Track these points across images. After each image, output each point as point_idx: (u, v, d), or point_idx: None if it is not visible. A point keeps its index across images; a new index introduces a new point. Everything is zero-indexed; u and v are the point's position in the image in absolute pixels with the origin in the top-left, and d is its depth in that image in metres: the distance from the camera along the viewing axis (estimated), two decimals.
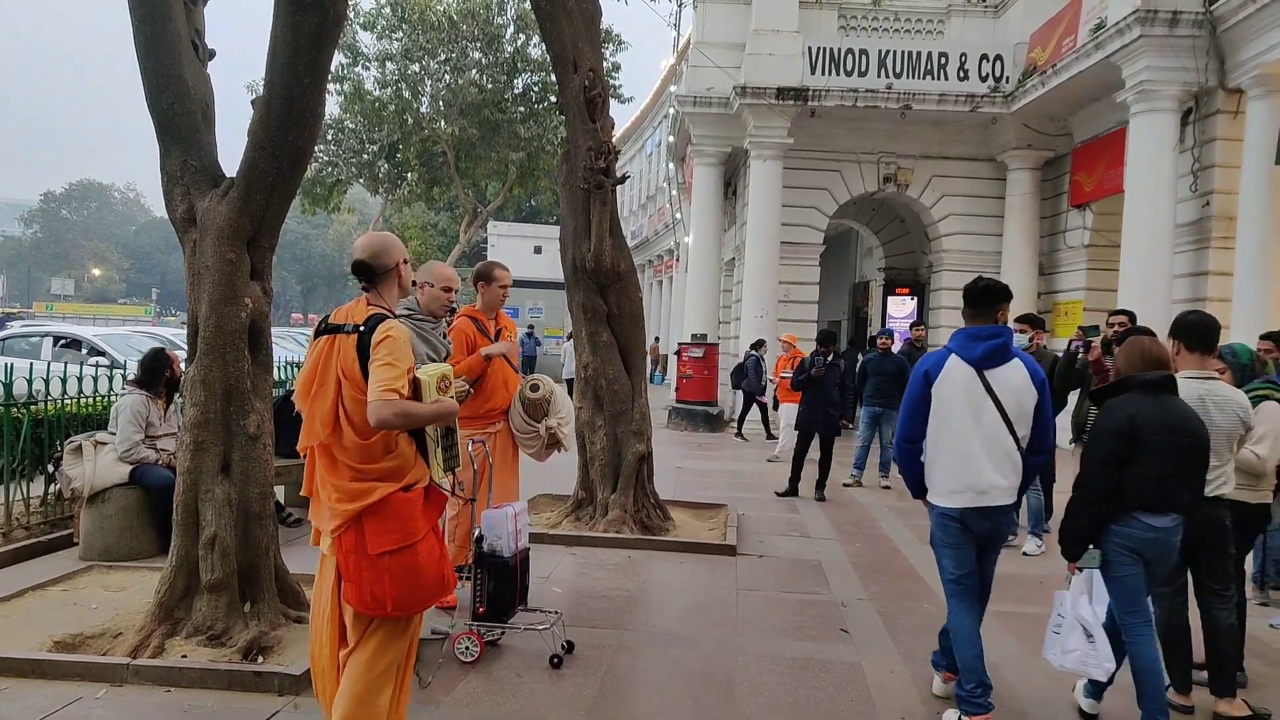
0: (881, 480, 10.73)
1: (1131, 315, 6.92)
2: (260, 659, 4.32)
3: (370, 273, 3.27)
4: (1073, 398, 7.56)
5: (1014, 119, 15.57)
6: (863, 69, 15.76)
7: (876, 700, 4.37)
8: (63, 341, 13.77)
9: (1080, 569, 3.93)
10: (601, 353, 7.74)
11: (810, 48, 15.82)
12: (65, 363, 8.09)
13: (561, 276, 8.16)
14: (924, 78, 15.70)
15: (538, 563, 5.63)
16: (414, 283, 4.18)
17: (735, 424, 15.68)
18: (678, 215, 24.78)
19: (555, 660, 4.58)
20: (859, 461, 10.80)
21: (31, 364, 10.78)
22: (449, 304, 4.67)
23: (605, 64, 20.34)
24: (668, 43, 28.35)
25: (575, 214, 7.74)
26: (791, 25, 16.08)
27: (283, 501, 7.52)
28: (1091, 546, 3.90)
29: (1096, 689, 4.19)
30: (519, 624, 4.74)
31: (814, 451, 9.89)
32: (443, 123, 25.68)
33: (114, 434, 6.46)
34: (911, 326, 11.52)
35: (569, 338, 15.42)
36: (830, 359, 9.95)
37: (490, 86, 25.52)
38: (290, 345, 19.43)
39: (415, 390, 3.12)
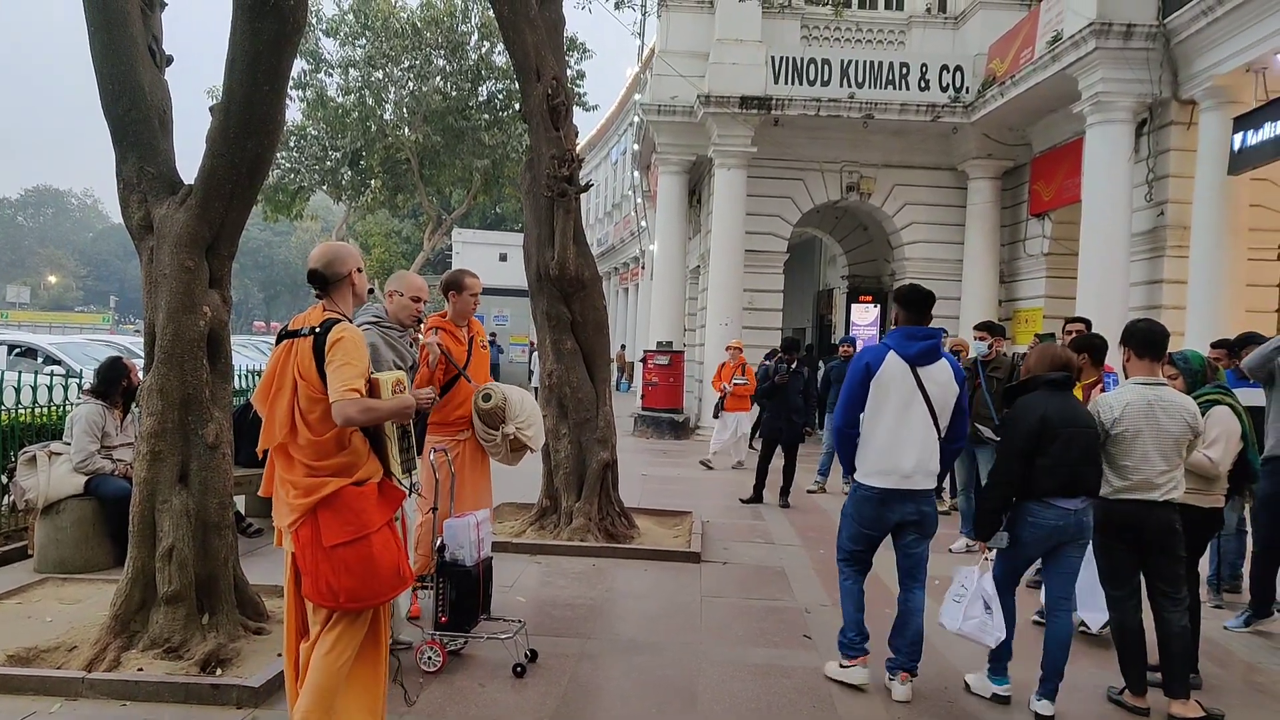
0: (845, 486, 10.77)
1: (1087, 322, 7.04)
2: (219, 671, 4.27)
3: (324, 281, 3.45)
4: None
5: (974, 129, 15.78)
6: (825, 78, 15.89)
7: (839, 706, 4.41)
8: (18, 350, 13.53)
9: (991, 548, 4.41)
10: (566, 360, 7.74)
11: (773, 57, 15.93)
12: (20, 371, 7.94)
13: (527, 284, 8.13)
14: (886, 87, 15.83)
15: (502, 572, 5.61)
16: (385, 291, 4.24)
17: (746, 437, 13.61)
18: (643, 223, 24.84)
19: (518, 669, 4.57)
20: (823, 468, 10.88)
21: None
22: (418, 314, 4.65)
23: (569, 72, 20.42)
24: (633, 51, 28.47)
25: (539, 222, 7.74)
26: (755, 35, 16.18)
27: (243, 511, 7.44)
28: (1002, 530, 4.37)
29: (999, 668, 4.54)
30: (482, 633, 4.73)
31: (778, 458, 9.95)
32: (406, 130, 25.53)
33: (69, 444, 6.36)
34: (840, 343, 11.45)
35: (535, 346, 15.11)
36: (794, 366, 10.02)
37: (454, 94, 25.42)
38: (252, 353, 19.25)
39: (373, 391, 3.29)
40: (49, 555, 6.15)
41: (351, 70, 25.41)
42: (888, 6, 17.45)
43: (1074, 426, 4.24)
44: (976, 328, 8.32)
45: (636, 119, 21.23)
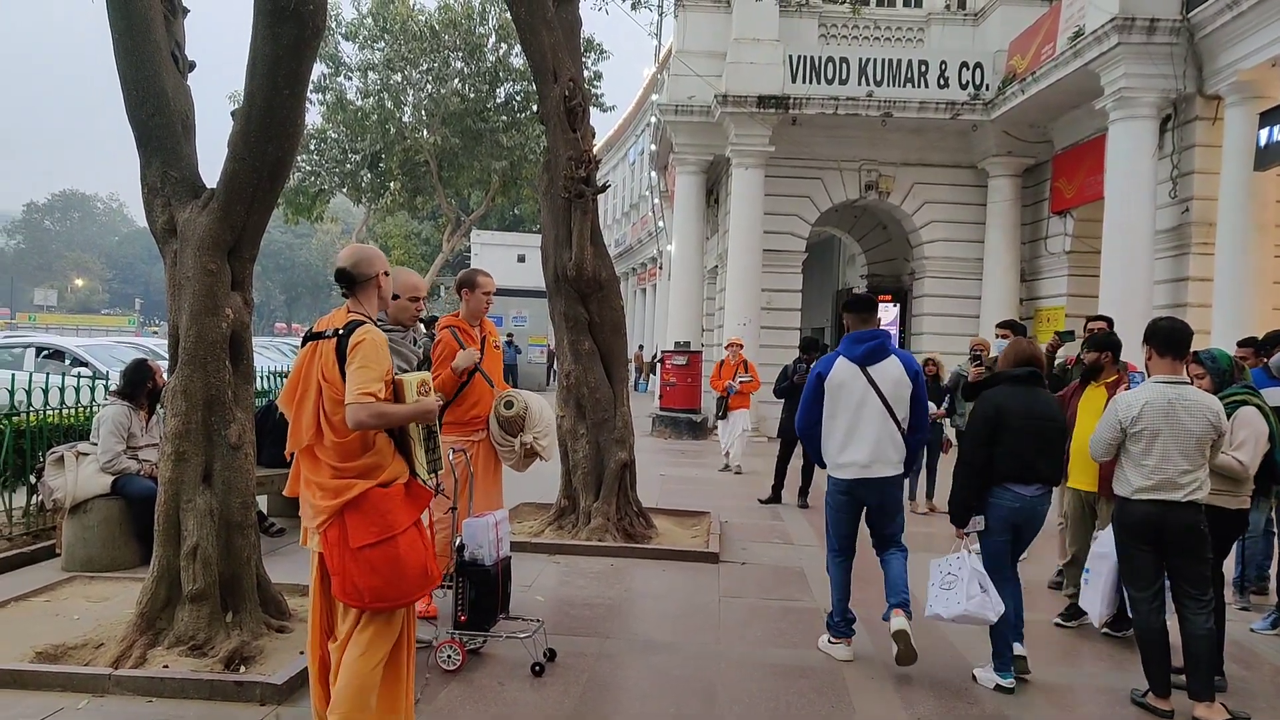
0: None
1: (1109, 321, 6.99)
2: (242, 669, 4.31)
3: (351, 280, 3.47)
4: None
5: (994, 126, 15.68)
6: (843, 77, 15.85)
7: (857, 706, 4.40)
8: (45, 352, 13.67)
9: (966, 533, 4.67)
10: (583, 361, 7.76)
11: (791, 56, 15.90)
12: (48, 374, 8.05)
13: (544, 285, 8.16)
14: (904, 85, 15.78)
15: (520, 571, 5.64)
16: (394, 296, 4.23)
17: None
18: (660, 223, 24.84)
19: (537, 668, 4.59)
20: None
21: (13, 375, 10.71)
22: (417, 313, 4.67)
23: (586, 73, 20.42)
24: (649, 52, 28.48)
25: (556, 223, 7.76)
26: (772, 34, 16.16)
27: (265, 511, 7.51)
28: (976, 515, 4.63)
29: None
30: (501, 632, 4.75)
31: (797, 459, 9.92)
32: (425, 132, 25.68)
33: (96, 445, 6.44)
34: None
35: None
36: (812, 366, 9.94)
37: (472, 96, 25.56)
38: (274, 355, 19.38)
39: (397, 392, 3.31)
40: (76, 554, 6.23)
41: (370, 73, 25.61)
42: (906, 4, 17.39)
43: (1031, 419, 4.54)
44: (999, 326, 8.30)
45: (654, 119, 21.23)
